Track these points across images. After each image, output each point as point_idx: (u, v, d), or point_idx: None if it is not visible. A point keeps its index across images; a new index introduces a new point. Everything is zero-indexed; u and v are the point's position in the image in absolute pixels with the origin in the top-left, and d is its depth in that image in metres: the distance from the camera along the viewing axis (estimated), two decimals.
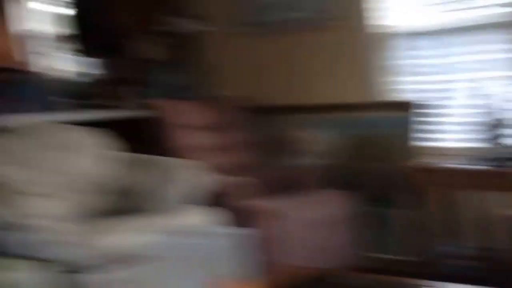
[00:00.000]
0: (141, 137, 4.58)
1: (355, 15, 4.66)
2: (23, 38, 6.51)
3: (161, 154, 4.28)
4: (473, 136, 4.04)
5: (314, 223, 4.14)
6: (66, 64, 5.62)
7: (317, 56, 4.87)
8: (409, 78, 4.59)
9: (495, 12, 4.16)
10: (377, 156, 4.48)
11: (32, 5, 6.58)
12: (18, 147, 3.78)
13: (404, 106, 4.44)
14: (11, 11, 6.53)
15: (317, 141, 4.72)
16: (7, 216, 3.24)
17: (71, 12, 5.55)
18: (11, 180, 3.50)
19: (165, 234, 3.47)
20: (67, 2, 5.56)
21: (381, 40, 4.62)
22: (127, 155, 4.15)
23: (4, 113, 4.48)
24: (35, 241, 3.26)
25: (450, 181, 3.95)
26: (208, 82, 5.23)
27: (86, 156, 4.00)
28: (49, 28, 6.21)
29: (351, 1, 4.69)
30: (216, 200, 3.94)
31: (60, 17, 5.68)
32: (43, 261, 3.21)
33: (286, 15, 4.96)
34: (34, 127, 4.01)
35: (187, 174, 3.89)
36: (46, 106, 4.77)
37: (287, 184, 4.42)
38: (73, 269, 3.20)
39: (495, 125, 3.94)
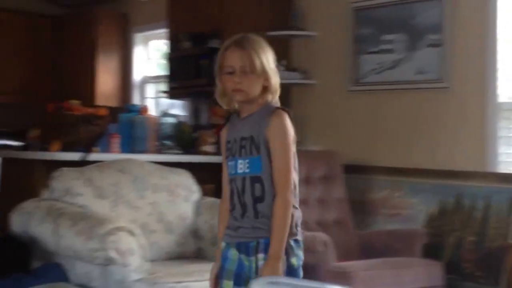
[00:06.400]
0: None
1: (476, 82, 4.46)
2: (139, 82, 6.76)
3: None
4: None
5: None
6: (169, 107, 5.79)
7: (428, 118, 4.67)
8: None
9: None
10: (477, 229, 4.26)
11: (150, 51, 6.85)
12: (113, 183, 3.84)
13: None
14: (131, 57, 6.80)
15: (412, 206, 4.58)
16: (95, 250, 3.28)
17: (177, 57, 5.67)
18: (102, 214, 3.57)
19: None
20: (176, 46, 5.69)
21: (500, 110, 4.38)
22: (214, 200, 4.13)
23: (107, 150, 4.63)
24: (120, 278, 3.28)
25: None
26: (306, 135, 5.14)
27: (180, 199, 4.01)
28: (160, 72, 6.42)
29: (472, 68, 4.48)
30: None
31: (169, 61, 5.82)
32: None
33: (404, 75, 4.79)
34: (132, 164, 4.06)
35: None
36: (147, 146, 4.91)
37: (375, 247, 4.30)
38: None
39: None
